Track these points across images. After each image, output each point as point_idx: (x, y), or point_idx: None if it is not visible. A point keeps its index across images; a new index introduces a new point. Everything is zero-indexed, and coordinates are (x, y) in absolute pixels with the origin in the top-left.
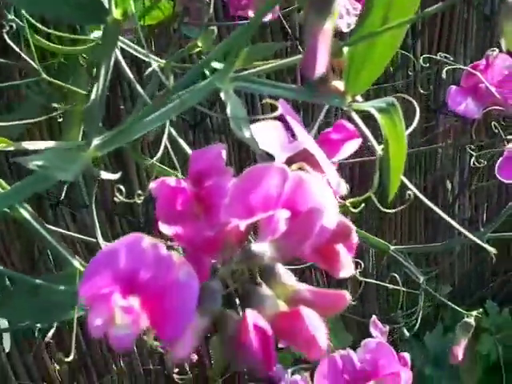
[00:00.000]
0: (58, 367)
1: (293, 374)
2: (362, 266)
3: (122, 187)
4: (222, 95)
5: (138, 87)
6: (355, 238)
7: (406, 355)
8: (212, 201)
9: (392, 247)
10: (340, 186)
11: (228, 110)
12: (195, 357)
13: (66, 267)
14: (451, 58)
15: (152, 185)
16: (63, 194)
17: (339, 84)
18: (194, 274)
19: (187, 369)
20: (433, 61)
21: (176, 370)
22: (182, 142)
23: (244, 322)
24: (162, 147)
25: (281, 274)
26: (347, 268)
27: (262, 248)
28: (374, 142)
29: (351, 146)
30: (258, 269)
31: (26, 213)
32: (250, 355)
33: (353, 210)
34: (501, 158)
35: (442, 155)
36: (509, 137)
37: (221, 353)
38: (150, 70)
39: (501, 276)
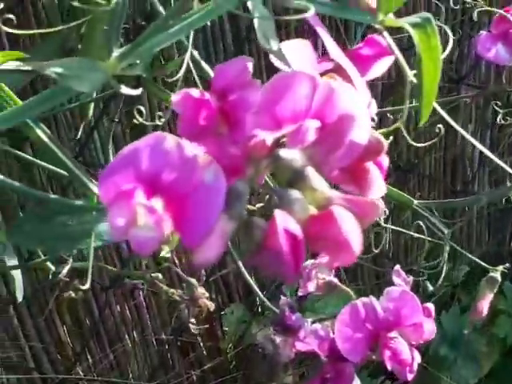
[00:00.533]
0: (73, 294)
1: (313, 322)
2: (387, 212)
3: (141, 108)
4: (249, 5)
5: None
6: (386, 162)
7: (431, 306)
8: (237, 115)
9: (415, 201)
10: (371, 105)
11: (255, 21)
12: (212, 305)
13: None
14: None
15: (174, 97)
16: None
17: (371, 0)
18: (221, 174)
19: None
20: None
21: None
22: (205, 65)
23: (273, 225)
24: (183, 69)
25: (312, 178)
26: (378, 188)
27: (292, 154)
28: (405, 66)
29: (383, 64)
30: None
31: (41, 133)
32: (279, 260)
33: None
34: None
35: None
36: None
37: (248, 259)
38: None
39: None
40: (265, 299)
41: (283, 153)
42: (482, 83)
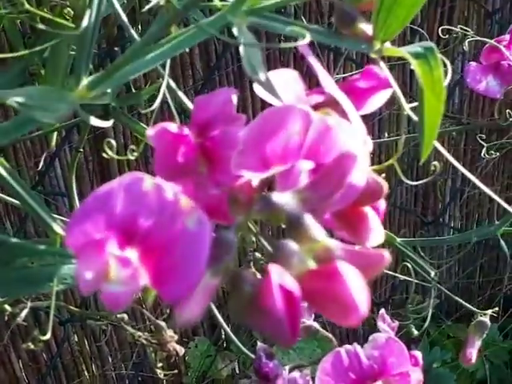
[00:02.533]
0: (32, 346)
1: (291, 370)
2: None
3: (112, 141)
4: (235, 31)
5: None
6: (384, 204)
7: (418, 354)
8: (219, 153)
9: (399, 239)
10: (366, 142)
11: (241, 49)
12: (182, 350)
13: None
14: (471, 32)
15: (150, 131)
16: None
17: (367, 28)
18: (205, 221)
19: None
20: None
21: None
22: (182, 95)
23: (267, 281)
24: (159, 99)
25: (310, 226)
26: (376, 235)
27: (285, 198)
28: (401, 97)
29: (381, 97)
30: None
31: (1, 169)
32: (273, 320)
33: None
34: None
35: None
36: None
37: (239, 318)
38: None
39: (488, 291)
40: (230, 333)
41: (275, 197)
42: (455, 113)
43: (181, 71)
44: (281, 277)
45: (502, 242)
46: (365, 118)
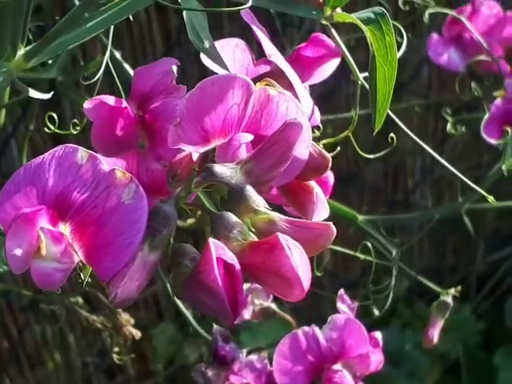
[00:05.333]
0: None
1: (249, 353)
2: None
3: (53, 114)
4: None
5: None
6: (332, 178)
7: (378, 335)
8: (159, 125)
9: (361, 217)
10: (315, 114)
11: (184, 14)
12: (138, 333)
13: None
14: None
15: (86, 104)
16: None
17: None
18: (142, 193)
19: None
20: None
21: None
22: (127, 67)
23: (206, 255)
24: (101, 70)
25: (250, 198)
26: (322, 210)
27: (227, 170)
28: (353, 65)
29: (329, 67)
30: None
31: None
32: (213, 295)
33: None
34: (486, 116)
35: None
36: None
37: (180, 294)
38: None
39: (460, 271)
40: (192, 320)
41: (217, 168)
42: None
43: (141, 48)
44: (220, 250)
45: (466, 219)
46: (333, 93)
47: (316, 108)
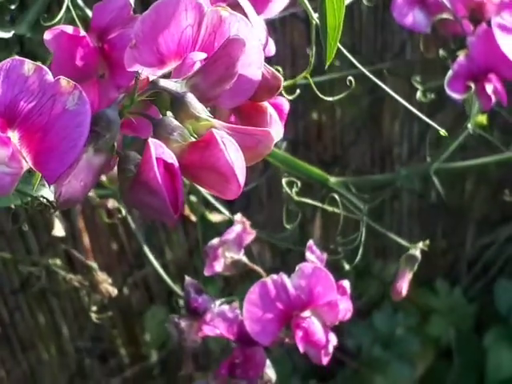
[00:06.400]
0: None
1: (221, 305)
2: (299, 185)
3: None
4: None
5: None
6: (287, 105)
7: (346, 283)
8: (117, 54)
9: (332, 179)
10: (269, 44)
11: None
12: (114, 291)
13: None
14: None
15: (47, 35)
16: None
17: None
18: (85, 100)
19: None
20: None
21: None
22: (88, 9)
23: (146, 155)
24: (62, 11)
25: (192, 105)
26: (275, 130)
27: (172, 83)
28: (307, 4)
29: (281, 1)
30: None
31: None
32: (154, 194)
33: (287, 97)
34: (450, 73)
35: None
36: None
37: (126, 200)
38: None
39: (451, 255)
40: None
41: (162, 82)
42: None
43: None
44: (159, 149)
45: (435, 180)
46: None
47: (271, 40)
